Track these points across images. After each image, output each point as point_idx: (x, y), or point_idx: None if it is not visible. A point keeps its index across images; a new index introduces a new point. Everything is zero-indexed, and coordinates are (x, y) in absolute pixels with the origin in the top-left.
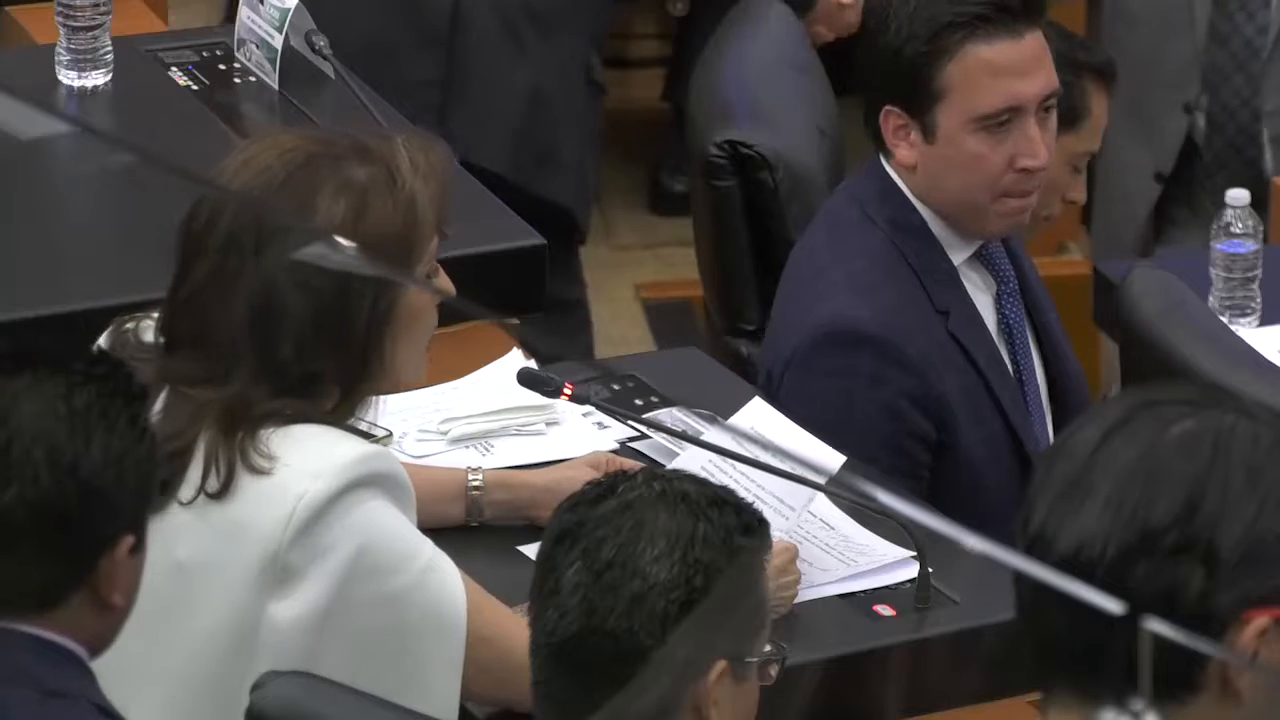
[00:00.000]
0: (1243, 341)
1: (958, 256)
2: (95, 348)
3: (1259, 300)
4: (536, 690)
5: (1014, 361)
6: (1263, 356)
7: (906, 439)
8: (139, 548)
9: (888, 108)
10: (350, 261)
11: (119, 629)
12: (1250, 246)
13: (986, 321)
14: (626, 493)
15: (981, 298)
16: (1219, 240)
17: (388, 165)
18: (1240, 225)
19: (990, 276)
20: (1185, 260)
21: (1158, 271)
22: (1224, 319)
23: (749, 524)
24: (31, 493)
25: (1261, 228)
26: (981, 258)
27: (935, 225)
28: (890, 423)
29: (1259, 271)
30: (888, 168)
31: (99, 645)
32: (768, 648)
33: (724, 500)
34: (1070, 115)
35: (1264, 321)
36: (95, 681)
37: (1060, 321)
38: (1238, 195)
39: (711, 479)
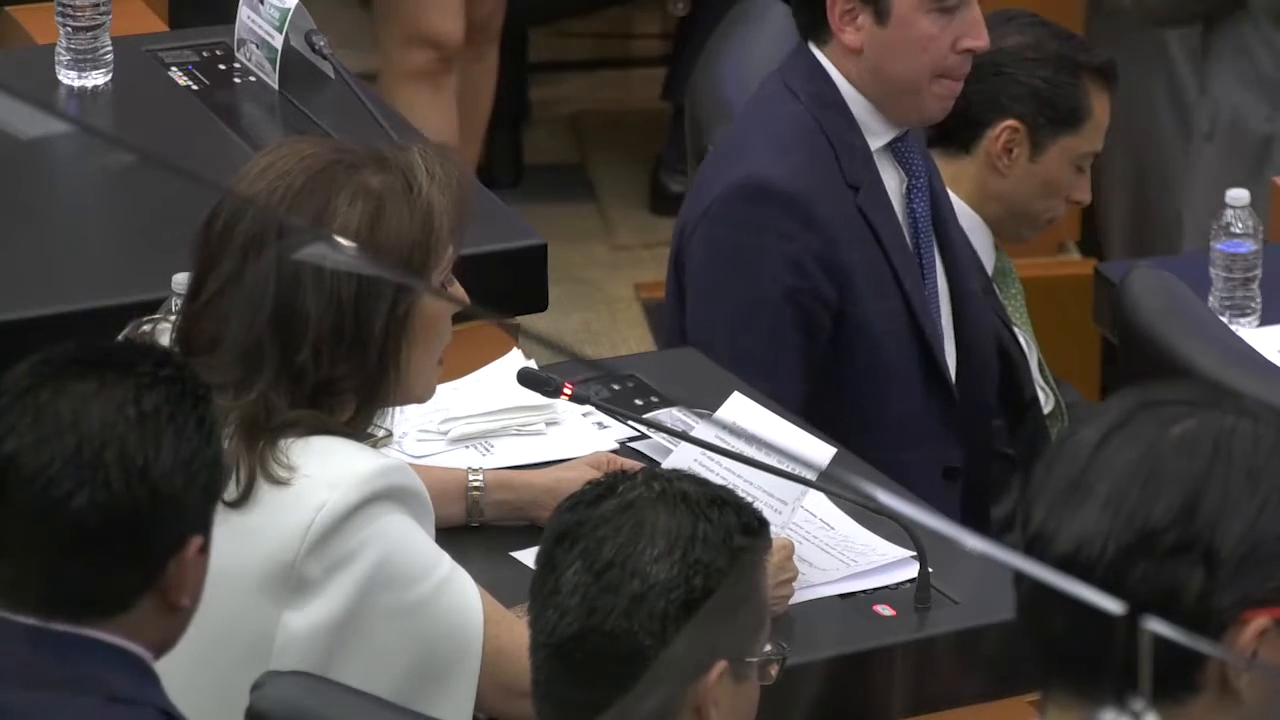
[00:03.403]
0: (1243, 341)
1: (874, 142)
2: (141, 343)
3: (1259, 300)
4: (536, 689)
5: (918, 255)
6: (1263, 356)
7: (808, 296)
8: (205, 548)
9: None
10: (367, 265)
11: (183, 631)
12: (1250, 246)
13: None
14: (626, 492)
15: (891, 188)
16: (1219, 240)
17: (405, 173)
18: (1240, 225)
19: (901, 170)
20: (1185, 260)
21: (1158, 271)
22: (1224, 319)
23: (749, 524)
24: (103, 496)
25: (1261, 228)
26: (895, 151)
27: (857, 108)
28: (794, 277)
29: (1259, 271)
30: (817, 53)
31: (164, 648)
32: (768, 647)
33: (724, 500)
34: (1071, 116)
35: (1264, 321)
36: (160, 686)
37: (968, 246)
38: (1238, 195)
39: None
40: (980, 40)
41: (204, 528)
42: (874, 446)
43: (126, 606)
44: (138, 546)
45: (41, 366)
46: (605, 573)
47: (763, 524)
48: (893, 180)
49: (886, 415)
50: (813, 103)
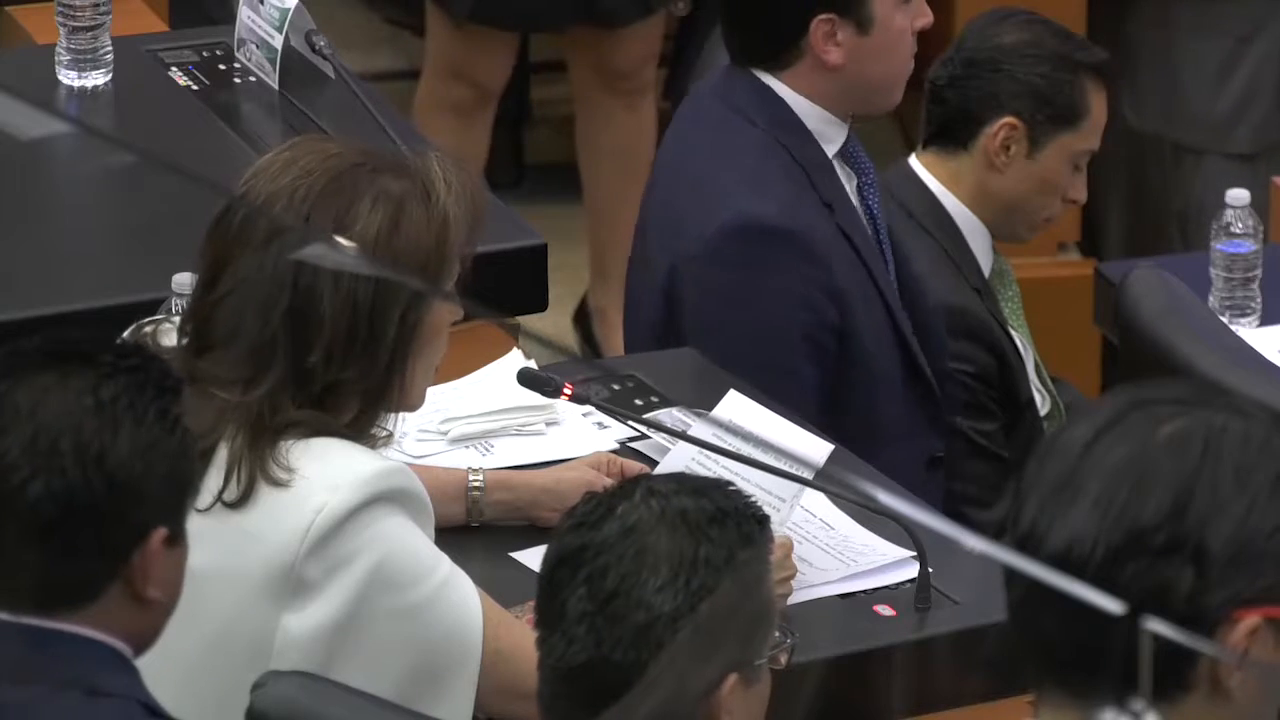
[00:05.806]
0: (1243, 341)
1: (829, 149)
2: (107, 337)
3: (1259, 300)
4: (541, 701)
5: (880, 249)
6: (1263, 356)
7: (818, 329)
8: (175, 541)
9: (820, 18)
10: (385, 270)
11: (162, 625)
12: (1250, 246)
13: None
14: (627, 515)
15: (848, 191)
16: (1219, 240)
17: (424, 181)
18: (1240, 225)
19: (850, 170)
20: (1185, 260)
21: (1158, 271)
22: (1224, 319)
23: (749, 533)
24: (59, 485)
25: (1261, 228)
26: (842, 153)
27: (811, 120)
28: (804, 312)
29: (1259, 271)
30: (763, 77)
31: (142, 642)
32: (775, 634)
33: (724, 514)
34: (1069, 114)
35: (1264, 321)
36: (140, 679)
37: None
38: (1238, 195)
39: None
40: (928, 17)
41: (169, 519)
42: (865, 451)
43: (93, 597)
44: (98, 535)
45: (6, 359)
46: (610, 602)
47: (763, 524)
48: (847, 181)
49: (876, 420)
50: (771, 125)
